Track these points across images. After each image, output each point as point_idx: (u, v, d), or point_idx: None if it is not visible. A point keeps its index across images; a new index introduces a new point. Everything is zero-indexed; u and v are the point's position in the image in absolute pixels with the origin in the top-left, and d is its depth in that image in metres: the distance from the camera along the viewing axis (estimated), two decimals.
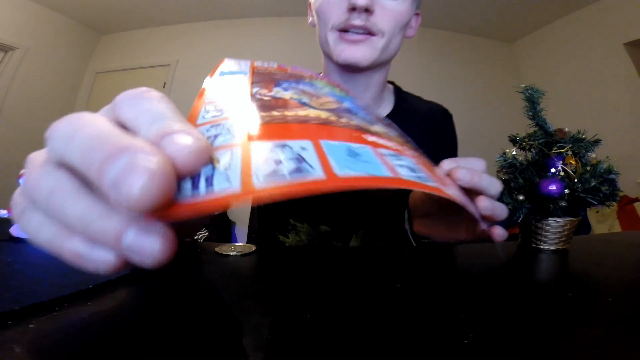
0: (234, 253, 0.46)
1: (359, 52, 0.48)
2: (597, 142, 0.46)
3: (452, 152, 0.67)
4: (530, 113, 0.48)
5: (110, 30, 3.26)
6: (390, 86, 0.65)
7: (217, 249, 0.48)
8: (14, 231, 0.47)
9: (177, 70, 3.16)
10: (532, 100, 0.47)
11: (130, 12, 2.93)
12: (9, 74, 2.62)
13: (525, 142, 0.48)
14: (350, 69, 0.52)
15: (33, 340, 0.21)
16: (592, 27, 2.52)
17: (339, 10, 0.48)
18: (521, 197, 0.46)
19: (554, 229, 0.47)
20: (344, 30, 0.49)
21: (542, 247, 0.49)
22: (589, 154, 0.46)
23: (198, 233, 2.36)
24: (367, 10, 0.46)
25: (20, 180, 0.54)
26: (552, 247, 0.48)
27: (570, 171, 0.44)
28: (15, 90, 2.65)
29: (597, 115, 2.45)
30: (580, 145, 0.45)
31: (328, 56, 0.55)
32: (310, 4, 0.58)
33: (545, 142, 0.47)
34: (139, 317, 0.26)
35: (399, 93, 0.64)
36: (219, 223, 2.56)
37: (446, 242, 0.44)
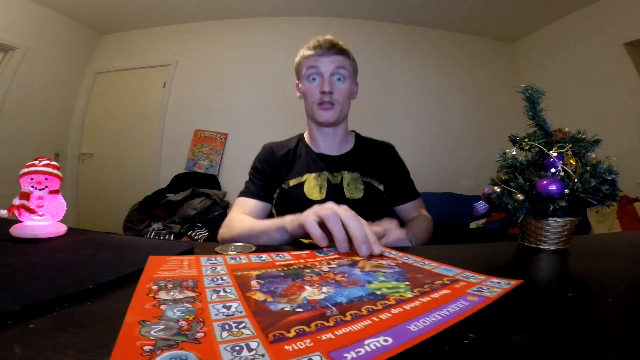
0: (234, 253, 0.46)
1: (329, 115, 0.83)
2: (597, 142, 0.46)
3: (403, 175, 0.92)
4: (530, 113, 0.48)
5: (110, 30, 3.25)
6: (352, 133, 0.95)
7: (217, 249, 0.48)
8: (14, 231, 0.47)
9: (177, 70, 3.16)
10: (532, 100, 0.47)
11: (130, 12, 2.93)
12: (9, 74, 2.62)
13: (525, 142, 0.48)
14: (325, 125, 0.85)
15: (33, 340, 0.21)
16: (592, 27, 2.51)
17: (316, 93, 0.82)
18: (521, 197, 0.46)
19: (554, 229, 0.47)
20: (320, 103, 0.82)
21: (542, 247, 0.49)
22: (589, 153, 0.46)
23: (198, 233, 2.36)
24: (330, 92, 0.81)
25: (21, 181, 0.54)
26: (552, 247, 0.48)
27: (570, 171, 0.44)
28: (15, 90, 2.65)
29: (597, 115, 2.45)
30: (580, 145, 0.45)
31: (311, 118, 0.87)
32: (297, 84, 0.90)
33: (545, 142, 0.47)
34: None
35: (358, 137, 0.94)
36: (219, 223, 2.56)
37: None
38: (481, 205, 0.52)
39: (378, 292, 0.31)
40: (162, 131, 3.11)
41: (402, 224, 0.88)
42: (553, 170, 0.45)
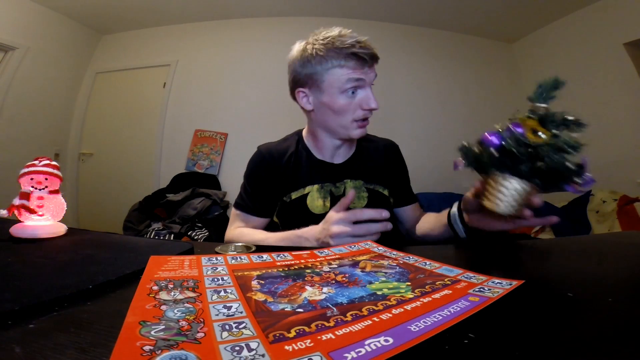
0: (234, 253, 0.46)
1: (365, 130, 0.75)
2: (567, 121, 0.44)
3: (405, 176, 0.88)
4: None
5: (110, 30, 3.25)
6: None
7: (217, 249, 0.48)
8: (14, 231, 0.47)
9: (177, 70, 3.16)
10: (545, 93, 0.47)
11: (130, 12, 2.93)
12: (9, 74, 2.62)
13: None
14: (349, 141, 0.80)
15: (33, 340, 0.21)
16: (592, 27, 2.51)
17: (357, 110, 0.71)
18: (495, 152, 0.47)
19: (510, 190, 0.46)
20: (363, 119, 0.73)
21: (501, 210, 0.47)
22: (572, 134, 0.45)
23: (198, 233, 2.36)
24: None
25: (20, 181, 0.54)
26: (506, 210, 0.47)
27: (529, 137, 0.44)
28: (15, 90, 2.65)
29: (597, 115, 2.44)
30: (548, 119, 0.45)
31: (335, 132, 0.76)
32: (300, 91, 0.75)
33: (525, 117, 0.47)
34: None
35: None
36: (219, 223, 2.56)
37: (491, 232, 0.58)
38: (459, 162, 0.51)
39: (379, 293, 0.31)
40: (162, 131, 3.10)
41: (400, 228, 0.87)
42: (497, 126, 0.46)
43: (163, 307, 0.26)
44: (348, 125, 0.72)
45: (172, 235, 2.33)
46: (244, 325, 0.23)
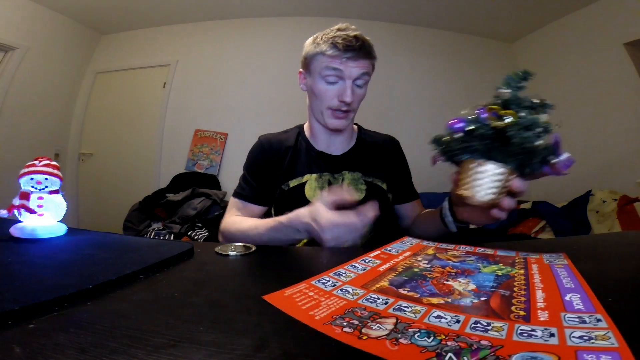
0: (234, 253, 0.46)
1: (341, 123, 0.77)
2: (532, 103, 0.44)
3: (406, 172, 0.89)
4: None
5: (110, 30, 3.25)
6: (355, 126, 0.90)
7: (217, 249, 0.48)
8: (14, 231, 0.47)
9: (177, 70, 3.16)
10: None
11: (130, 12, 2.93)
12: (9, 74, 2.62)
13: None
14: (332, 131, 0.80)
15: (33, 340, 0.21)
16: (592, 27, 2.51)
17: (333, 100, 0.74)
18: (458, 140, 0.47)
19: (489, 175, 0.45)
20: (335, 110, 0.75)
21: (475, 197, 0.46)
22: (540, 115, 0.44)
23: (198, 233, 2.36)
24: (350, 103, 0.73)
25: (20, 181, 0.54)
26: (483, 198, 0.45)
27: (490, 119, 0.44)
28: (15, 90, 2.65)
29: (597, 115, 2.45)
30: (511, 102, 0.45)
31: (318, 119, 0.80)
32: (300, 72, 0.81)
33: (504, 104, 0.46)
34: (139, 317, 0.26)
35: (360, 131, 0.90)
36: (219, 223, 2.56)
37: (478, 226, 0.59)
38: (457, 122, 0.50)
39: (499, 274, 0.34)
40: (162, 131, 3.10)
41: (401, 225, 0.87)
42: (464, 112, 0.48)
43: (402, 341, 0.22)
44: (324, 111, 0.76)
45: (172, 235, 2.33)
46: (489, 323, 0.24)
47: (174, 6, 2.88)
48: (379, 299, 0.29)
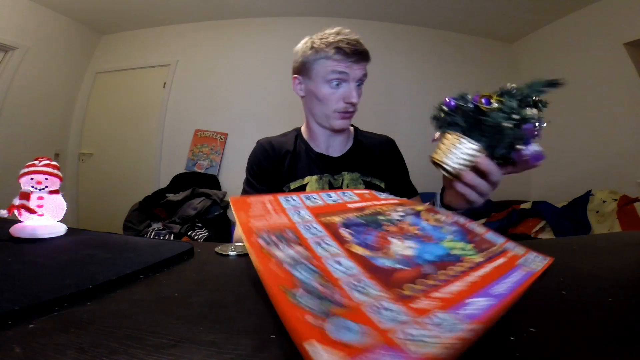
0: (234, 253, 0.46)
1: (346, 123, 0.80)
2: (528, 97, 0.46)
3: (403, 171, 0.90)
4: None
5: (110, 30, 3.25)
6: (351, 128, 0.92)
7: (217, 249, 0.48)
8: (14, 231, 0.47)
9: (177, 70, 3.16)
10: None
11: (130, 12, 2.93)
12: (9, 74, 2.62)
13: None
14: (336, 131, 0.82)
15: (33, 340, 0.21)
16: (592, 27, 2.51)
17: (339, 102, 0.76)
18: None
19: (463, 150, 0.48)
20: (343, 112, 0.77)
21: (444, 162, 0.50)
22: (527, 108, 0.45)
23: (198, 233, 2.36)
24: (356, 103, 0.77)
25: (20, 181, 0.54)
26: (452, 166, 0.49)
27: (480, 102, 0.46)
28: (15, 90, 2.65)
29: (597, 115, 2.45)
30: (507, 92, 0.46)
31: (321, 122, 0.81)
32: (295, 78, 0.82)
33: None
34: (139, 317, 0.26)
35: (357, 132, 0.91)
36: (219, 223, 2.56)
37: (459, 209, 0.59)
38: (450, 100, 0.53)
39: (453, 252, 0.32)
40: (162, 131, 3.10)
41: None
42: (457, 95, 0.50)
43: (286, 267, 0.24)
44: (330, 114, 0.78)
45: (172, 235, 2.33)
46: (366, 284, 0.23)
47: (173, 6, 2.88)
48: (314, 229, 0.31)
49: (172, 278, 0.36)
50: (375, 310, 0.20)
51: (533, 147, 0.45)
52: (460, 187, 0.51)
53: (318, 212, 0.36)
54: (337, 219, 0.35)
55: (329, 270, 0.24)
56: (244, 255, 0.46)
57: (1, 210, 0.48)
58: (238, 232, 0.78)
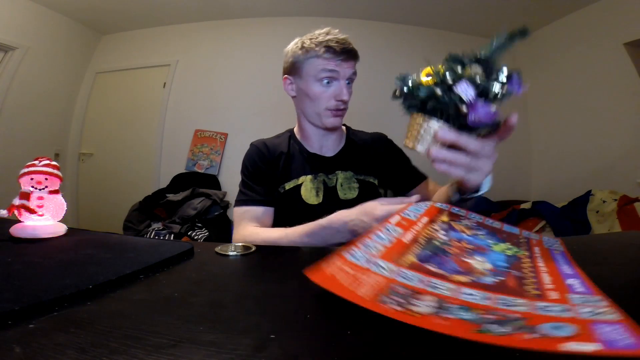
0: (234, 253, 0.46)
1: (338, 121, 0.81)
2: (489, 67, 0.46)
3: (402, 161, 0.90)
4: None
5: (110, 30, 3.25)
6: (343, 127, 0.93)
7: (217, 249, 0.48)
8: (14, 231, 0.47)
9: (177, 70, 3.16)
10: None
11: (131, 12, 2.93)
12: (9, 74, 2.62)
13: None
14: (331, 130, 0.84)
15: (33, 340, 0.21)
16: (592, 27, 2.51)
17: (331, 100, 0.77)
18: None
19: (426, 127, 0.49)
20: (335, 110, 0.78)
21: (411, 145, 0.51)
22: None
23: (198, 233, 2.36)
24: (347, 101, 0.78)
25: (20, 181, 0.54)
26: (418, 148, 0.50)
27: (422, 76, 0.49)
28: (15, 90, 2.65)
29: (597, 115, 2.45)
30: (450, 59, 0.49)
31: (313, 121, 0.82)
32: (286, 78, 0.83)
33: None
34: (139, 317, 0.26)
35: (349, 132, 0.92)
36: (219, 223, 2.56)
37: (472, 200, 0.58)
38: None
39: (507, 254, 0.36)
40: (162, 131, 3.10)
41: None
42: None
43: (451, 316, 0.24)
44: (322, 112, 0.79)
45: (172, 235, 2.33)
46: (506, 300, 0.26)
47: (173, 6, 2.88)
48: (412, 275, 0.30)
49: (172, 278, 0.36)
50: (550, 311, 0.23)
51: (483, 108, 0.42)
52: (437, 165, 0.49)
53: (391, 258, 0.33)
54: (412, 258, 0.33)
55: (473, 302, 0.26)
56: (244, 256, 0.46)
57: (1, 210, 0.48)
58: (237, 237, 0.77)
